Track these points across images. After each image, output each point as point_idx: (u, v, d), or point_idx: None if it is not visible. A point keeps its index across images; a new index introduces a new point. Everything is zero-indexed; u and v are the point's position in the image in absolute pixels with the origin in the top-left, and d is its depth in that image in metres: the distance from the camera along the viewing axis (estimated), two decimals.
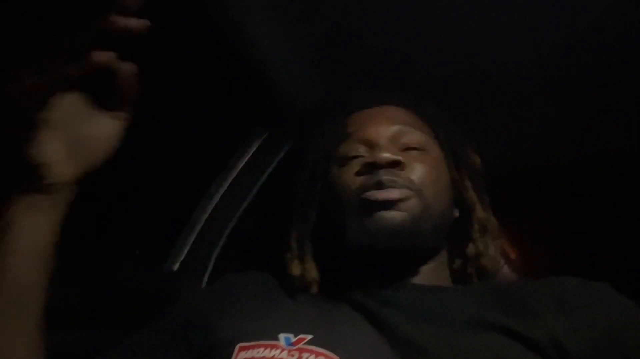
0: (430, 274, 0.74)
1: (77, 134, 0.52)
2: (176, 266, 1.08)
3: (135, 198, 1.06)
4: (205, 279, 1.08)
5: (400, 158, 0.73)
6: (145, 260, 1.08)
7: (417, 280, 0.74)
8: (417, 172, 0.74)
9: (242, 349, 0.64)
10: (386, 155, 0.72)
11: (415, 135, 0.78)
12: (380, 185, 0.71)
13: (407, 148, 0.76)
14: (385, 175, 0.71)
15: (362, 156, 0.76)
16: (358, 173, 0.74)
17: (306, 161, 0.83)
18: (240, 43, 0.95)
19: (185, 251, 1.08)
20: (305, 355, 0.62)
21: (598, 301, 0.66)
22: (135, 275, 1.00)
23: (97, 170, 0.53)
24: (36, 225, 0.50)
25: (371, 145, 0.76)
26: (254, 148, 1.14)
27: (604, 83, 1.03)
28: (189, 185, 1.15)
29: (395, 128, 0.77)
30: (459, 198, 0.80)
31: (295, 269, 0.76)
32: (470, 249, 0.78)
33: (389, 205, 0.70)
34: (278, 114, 1.13)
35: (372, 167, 0.73)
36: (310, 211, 0.79)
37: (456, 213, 0.80)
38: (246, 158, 1.14)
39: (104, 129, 0.54)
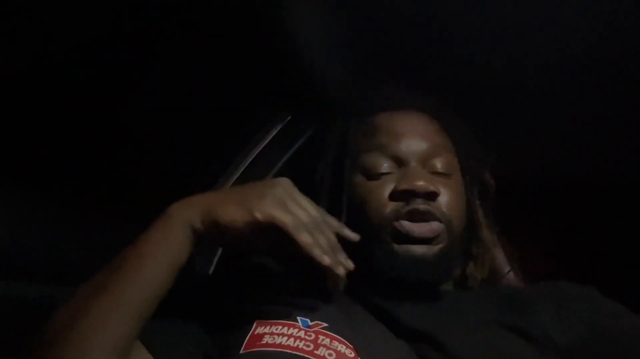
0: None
1: None
2: None
3: (152, 179, 1.03)
4: (216, 259, 1.06)
5: (437, 190, 0.73)
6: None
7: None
8: (447, 201, 0.74)
9: (259, 325, 0.64)
10: (424, 185, 0.72)
11: (444, 159, 0.78)
12: (414, 216, 0.71)
13: (435, 173, 0.76)
14: (421, 205, 0.72)
15: (391, 173, 0.75)
16: (392, 197, 0.73)
17: (330, 160, 0.82)
18: (268, 26, 0.95)
19: None
20: (321, 337, 0.63)
21: (584, 300, 0.73)
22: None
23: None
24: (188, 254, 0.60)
25: (401, 163, 0.76)
26: (275, 132, 1.12)
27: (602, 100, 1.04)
28: (207, 166, 1.13)
29: (425, 146, 0.77)
30: (469, 216, 0.81)
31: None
32: (471, 267, 0.81)
33: (422, 240, 0.71)
34: (302, 99, 1.11)
35: (407, 194, 0.72)
36: (337, 215, 0.75)
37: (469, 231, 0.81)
38: (266, 142, 1.13)
39: None
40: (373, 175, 0.76)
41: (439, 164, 0.77)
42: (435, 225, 0.71)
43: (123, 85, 0.97)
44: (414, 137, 0.77)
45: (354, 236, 0.66)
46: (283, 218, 0.59)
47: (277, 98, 1.10)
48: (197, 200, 0.62)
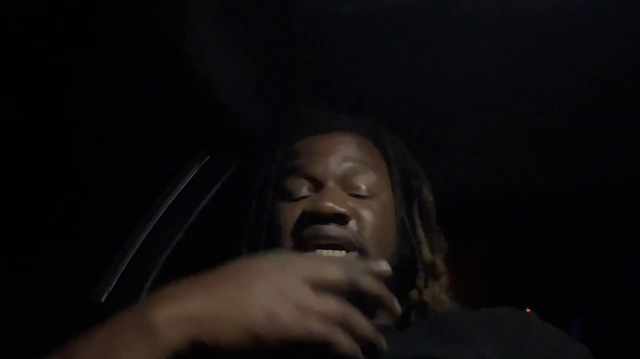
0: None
1: None
2: (103, 298, 0.99)
3: (62, 222, 0.97)
4: None
5: (345, 212, 0.68)
6: (70, 290, 0.99)
7: None
8: (364, 224, 0.70)
9: None
10: (330, 206, 0.67)
11: (367, 177, 0.74)
12: (320, 241, 0.67)
13: (356, 195, 0.72)
14: (327, 232, 0.67)
15: (306, 196, 0.72)
16: (299, 223, 0.69)
17: (253, 187, 0.79)
18: (182, 63, 0.92)
19: (115, 282, 1.00)
20: None
21: (529, 329, 0.69)
22: (58, 307, 0.91)
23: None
24: None
25: (317, 184, 0.73)
26: (194, 173, 1.09)
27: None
28: (122, 209, 1.07)
29: (346, 166, 0.73)
30: (406, 237, 0.76)
31: None
32: (414, 294, 0.74)
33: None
34: (218, 138, 1.08)
35: (313, 217, 0.68)
36: (258, 243, 0.74)
37: (406, 253, 0.75)
38: (185, 183, 1.09)
39: None
40: (291, 198, 0.73)
41: (361, 184, 0.73)
42: (349, 255, 0.67)
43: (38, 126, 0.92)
44: (332, 156, 0.74)
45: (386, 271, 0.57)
46: (311, 333, 0.48)
47: (193, 139, 1.06)
48: (188, 310, 0.47)
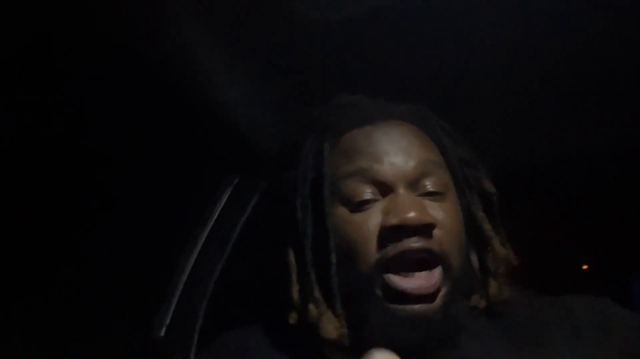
0: None
1: None
2: (163, 332, 1.03)
3: (111, 268, 1.01)
4: (195, 340, 1.03)
5: (433, 221, 0.62)
6: (130, 330, 1.03)
7: None
8: (445, 233, 0.63)
9: None
10: (417, 217, 0.60)
11: (438, 177, 0.67)
12: (406, 261, 0.61)
13: (428, 193, 0.66)
14: (414, 243, 0.61)
15: (376, 200, 0.64)
16: (380, 236, 0.62)
17: (306, 191, 0.69)
18: (196, 96, 0.93)
19: (170, 315, 1.03)
20: None
21: (608, 323, 0.65)
22: (124, 348, 0.95)
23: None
24: None
25: (385, 189, 0.65)
26: (227, 196, 1.10)
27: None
28: (166, 243, 1.10)
29: (412, 165, 0.66)
30: (473, 231, 0.70)
31: (330, 327, 0.63)
32: (493, 287, 0.69)
33: (421, 297, 0.60)
34: (245, 159, 1.09)
35: (398, 232, 0.61)
36: (328, 255, 0.65)
37: (475, 248, 0.71)
38: (220, 207, 1.10)
39: None
40: (356, 206, 0.64)
41: (431, 184, 0.66)
42: (435, 275, 0.61)
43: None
44: (398, 156, 0.66)
45: None
46: None
47: (219, 164, 1.08)
48: None
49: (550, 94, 1.05)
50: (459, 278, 0.65)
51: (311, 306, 0.64)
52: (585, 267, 1.85)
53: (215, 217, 1.08)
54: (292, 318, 0.67)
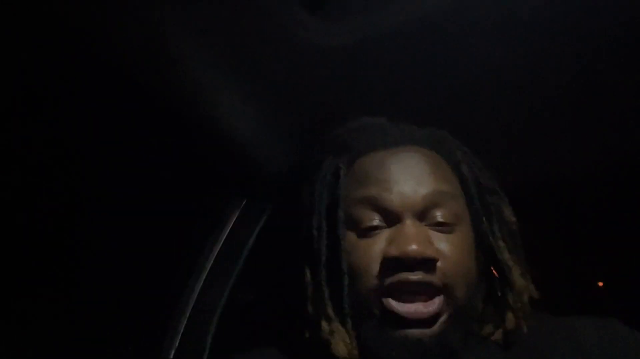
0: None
1: None
2: (172, 354, 1.03)
3: (119, 292, 1.02)
4: None
5: (434, 255, 0.62)
6: (139, 353, 1.03)
7: None
8: (449, 263, 0.63)
9: None
10: (417, 250, 0.61)
11: (448, 208, 0.66)
12: (404, 289, 0.61)
13: (437, 224, 0.66)
14: (413, 276, 0.61)
15: (384, 227, 0.65)
16: (382, 267, 0.63)
17: (322, 211, 0.70)
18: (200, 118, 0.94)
19: (179, 337, 1.04)
20: None
21: (614, 344, 0.64)
22: None
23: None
24: None
25: (392, 218, 0.65)
26: (234, 218, 1.11)
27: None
28: (173, 268, 1.11)
29: (422, 194, 0.65)
30: (491, 259, 0.69)
31: (341, 346, 0.63)
32: (510, 321, 0.67)
33: (416, 322, 0.61)
34: (250, 179, 1.10)
35: (398, 263, 0.62)
36: (341, 276, 0.66)
37: (492, 279, 0.69)
38: (228, 229, 1.11)
39: None
40: (363, 231, 0.65)
41: (441, 215, 0.65)
42: (434, 302, 0.61)
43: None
44: (407, 185, 0.66)
45: None
46: None
47: (226, 187, 1.09)
48: None
49: (567, 110, 1.05)
50: (465, 307, 0.65)
51: (324, 324, 0.65)
52: (600, 284, 1.83)
53: (223, 239, 1.09)
54: (305, 334, 0.68)
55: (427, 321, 0.61)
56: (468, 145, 0.77)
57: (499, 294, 0.69)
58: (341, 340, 0.64)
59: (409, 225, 0.64)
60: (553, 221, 1.64)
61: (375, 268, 0.63)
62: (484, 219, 0.70)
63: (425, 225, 0.65)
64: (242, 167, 1.05)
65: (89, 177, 1.00)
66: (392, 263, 0.62)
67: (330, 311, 0.65)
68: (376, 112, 0.96)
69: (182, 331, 1.05)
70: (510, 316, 0.68)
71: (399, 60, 0.83)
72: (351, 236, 0.66)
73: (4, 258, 0.90)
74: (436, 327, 0.61)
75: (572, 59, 0.89)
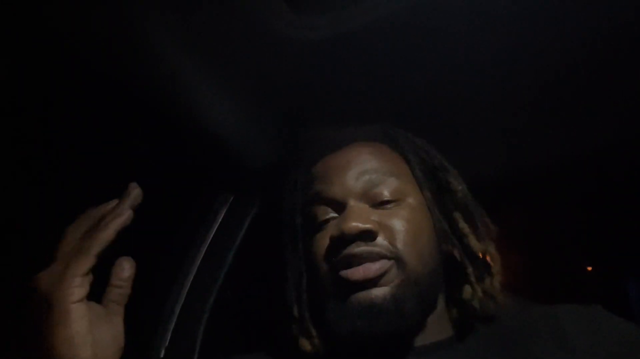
0: (431, 329, 0.69)
1: (101, 340, 0.56)
2: (162, 353, 1.03)
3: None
4: None
5: (371, 227, 0.66)
6: (130, 352, 1.03)
7: (418, 340, 0.68)
8: (395, 233, 0.67)
9: None
10: (353, 226, 0.65)
11: (388, 185, 0.70)
12: (351, 261, 0.65)
13: (381, 202, 0.70)
14: (356, 248, 0.65)
15: (332, 218, 0.71)
16: (329, 249, 0.68)
17: (283, 218, 0.78)
18: (183, 114, 0.93)
19: (169, 336, 1.04)
20: None
21: (596, 331, 0.65)
22: None
23: None
24: None
25: (340, 206, 0.70)
26: (222, 215, 1.10)
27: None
28: (164, 262, 1.11)
29: (364, 179, 0.71)
30: (451, 232, 0.73)
31: (305, 343, 0.70)
32: (467, 292, 0.70)
33: (366, 283, 0.64)
34: (238, 175, 1.10)
35: (340, 241, 0.66)
36: (300, 277, 0.74)
37: (452, 250, 0.72)
38: (217, 225, 1.11)
39: (116, 329, 0.59)
40: (319, 226, 0.71)
41: (383, 193, 0.70)
42: (377, 264, 0.64)
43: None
44: (347, 173, 0.71)
45: None
46: None
47: (213, 184, 1.08)
48: None
49: (551, 95, 1.04)
50: (420, 274, 0.66)
51: (293, 325, 0.72)
52: (589, 269, 1.84)
53: (211, 236, 1.09)
54: (284, 336, 0.73)
55: (372, 281, 0.64)
56: (449, 135, 0.81)
57: (459, 260, 0.71)
58: (305, 338, 0.70)
59: (352, 206, 0.69)
60: (543, 207, 1.65)
61: (326, 252, 0.68)
62: (435, 193, 0.74)
63: (370, 206, 0.70)
64: (229, 163, 1.05)
65: (75, 174, 0.99)
66: (337, 243, 0.67)
67: (295, 313, 0.72)
68: (358, 105, 0.97)
69: (172, 328, 1.05)
70: (467, 287, 0.70)
71: (380, 54, 0.83)
72: (311, 233, 0.72)
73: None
74: (387, 288, 0.64)
75: (550, 51, 0.88)
